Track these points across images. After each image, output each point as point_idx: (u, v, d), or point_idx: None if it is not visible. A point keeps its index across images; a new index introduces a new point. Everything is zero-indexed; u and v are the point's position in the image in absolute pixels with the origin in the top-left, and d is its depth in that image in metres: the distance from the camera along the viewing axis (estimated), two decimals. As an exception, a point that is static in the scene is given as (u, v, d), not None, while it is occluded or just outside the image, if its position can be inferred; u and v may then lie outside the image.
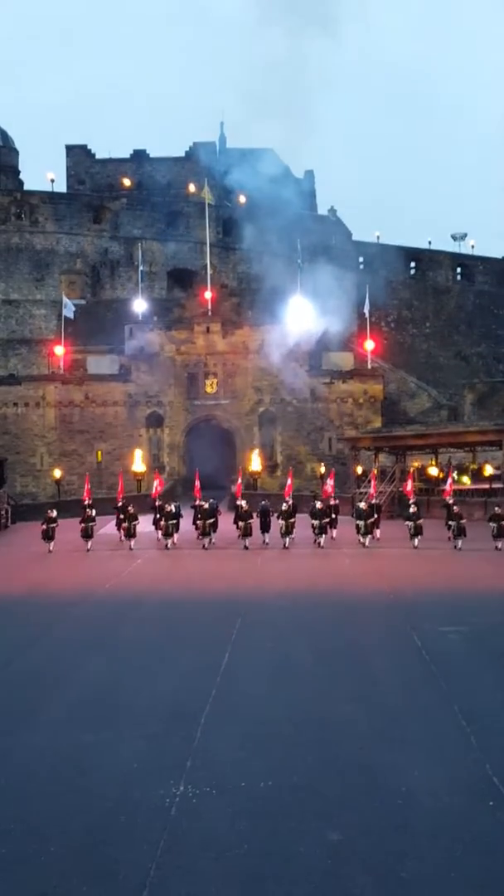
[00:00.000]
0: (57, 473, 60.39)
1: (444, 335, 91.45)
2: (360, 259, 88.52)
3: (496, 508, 34.35)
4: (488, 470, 50.55)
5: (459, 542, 33.55)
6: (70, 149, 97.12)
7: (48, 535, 35.46)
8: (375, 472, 47.26)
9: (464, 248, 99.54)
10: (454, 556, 32.21)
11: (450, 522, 35.05)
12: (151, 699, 14.34)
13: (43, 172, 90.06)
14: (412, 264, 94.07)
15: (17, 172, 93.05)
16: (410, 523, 34.64)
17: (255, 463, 59.44)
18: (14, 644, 19.01)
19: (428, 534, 34.56)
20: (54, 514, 36.44)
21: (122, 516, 38.17)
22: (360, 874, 8.50)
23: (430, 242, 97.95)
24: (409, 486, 41.72)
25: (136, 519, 36.74)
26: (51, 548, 35.20)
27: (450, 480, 42.12)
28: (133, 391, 65.37)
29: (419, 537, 34.14)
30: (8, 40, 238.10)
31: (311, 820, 9.63)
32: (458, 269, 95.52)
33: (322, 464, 61.04)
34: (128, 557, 33.36)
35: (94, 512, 37.05)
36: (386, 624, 20.33)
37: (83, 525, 35.94)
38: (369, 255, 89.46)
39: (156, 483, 44.85)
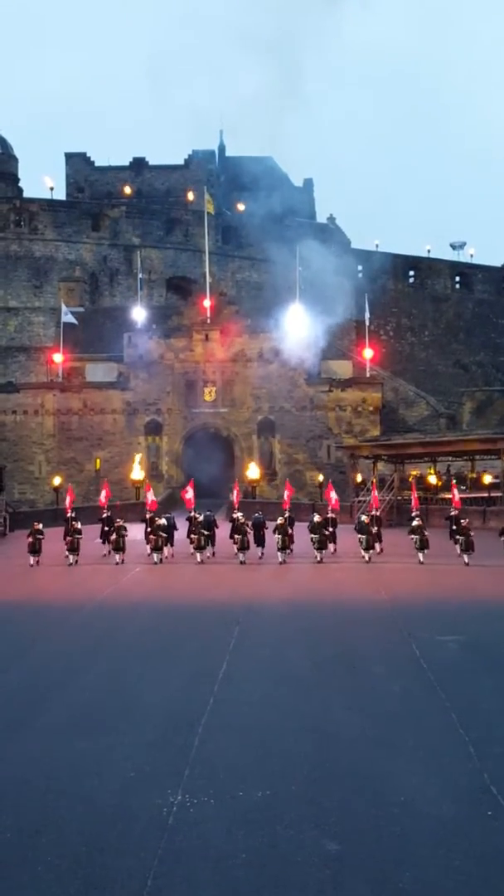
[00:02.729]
0: (55, 481, 60.34)
1: (442, 343, 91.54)
2: (360, 267, 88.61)
3: None
4: (487, 479, 50.50)
5: (466, 557, 32.07)
6: (69, 156, 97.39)
7: (34, 549, 34.17)
8: (375, 481, 47.09)
9: (463, 257, 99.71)
10: (454, 566, 31.92)
11: (458, 536, 33.41)
12: (149, 707, 14.31)
13: (42, 180, 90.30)
14: (411, 272, 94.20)
15: (17, 180, 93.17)
16: (416, 537, 33.20)
17: (254, 471, 59.41)
18: (11, 652, 18.96)
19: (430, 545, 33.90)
20: (40, 525, 35.16)
21: (106, 528, 36.95)
22: (357, 883, 8.47)
23: (428, 251, 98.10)
24: (414, 497, 40.31)
25: (125, 530, 35.18)
26: (37, 561, 33.94)
27: (455, 492, 40.93)
28: (131, 399, 65.43)
29: (426, 551, 32.81)
30: (7, 47, 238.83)
31: (308, 829, 9.60)
32: (457, 278, 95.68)
33: (320, 472, 61.03)
34: (122, 569, 32.99)
35: (79, 524, 35.66)
36: (384, 633, 20.30)
37: (69, 538, 34.59)
38: (368, 264, 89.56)
39: (149, 494, 41.88)
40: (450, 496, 50.78)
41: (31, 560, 33.99)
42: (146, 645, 19.42)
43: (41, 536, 34.64)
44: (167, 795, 10.43)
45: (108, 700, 14.97)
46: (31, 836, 9.55)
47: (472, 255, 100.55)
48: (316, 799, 10.39)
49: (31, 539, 34.43)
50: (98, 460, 64.66)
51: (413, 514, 36.44)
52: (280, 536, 33.89)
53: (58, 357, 67.57)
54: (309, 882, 8.50)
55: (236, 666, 16.91)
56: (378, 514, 38.09)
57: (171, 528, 35.84)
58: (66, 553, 34.56)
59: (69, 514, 37.45)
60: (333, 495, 39.01)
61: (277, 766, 11.44)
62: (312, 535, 34.18)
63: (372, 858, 8.95)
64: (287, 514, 35.77)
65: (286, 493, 40.45)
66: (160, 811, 10.03)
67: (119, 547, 34.59)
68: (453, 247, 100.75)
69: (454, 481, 47.14)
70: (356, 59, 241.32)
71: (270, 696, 14.94)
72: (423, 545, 32.93)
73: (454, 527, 35.38)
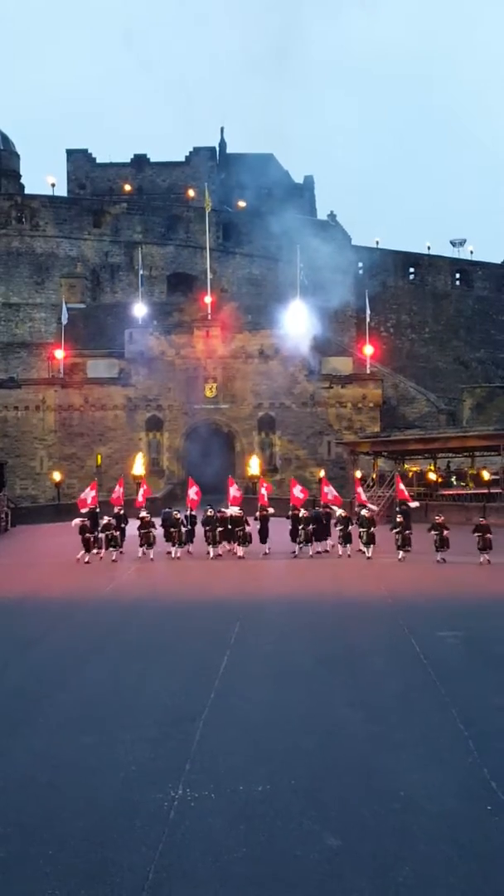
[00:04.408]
0: (57, 476, 60.42)
1: (443, 340, 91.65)
2: (360, 264, 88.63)
3: None
4: (486, 475, 50.53)
5: (439, 556, 31.49)
6: (71, 153, 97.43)
7: (112, 542, 33.68)
8: (362, 475, 46.61)
9: (463, 254, 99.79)
10: (451, 562, 31.86)
11: (432, 532, 32.25)
12: (150, 702, 14.34)
13: (44, 177, 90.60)
14: (411, 269, 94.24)
15: (19, 176, 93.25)
16: (399, 536, 32.85)
17: (254, 467, 59.44)
18: (12, 647, 19.01)
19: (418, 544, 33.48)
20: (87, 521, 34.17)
21: (123, 525, 36.18)
22: (357, 878, 8.51)
23: (429, 248, 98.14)
24: (399, 490, 38.78)
25: (154, 526, 34.45)
26: (87, 557, 33.23)
27: (400, 485, 38.95)
28: (133, 395, 65.52)
29: (407, 548, 32.53)
30: (9, 44, 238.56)
31: (309, 824, 9.63)
32: (457, 275, 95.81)
33: (321, 469, 61.08)
34: (123, 566, 32.99)
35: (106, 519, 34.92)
36: (384, 628, 20.33)
37: (113, 533, 34.05)
38: (368, 260, 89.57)
39: (141, 491, 40.94)
40: (451, 492, 51.02)
41: (86, 557, 33.15)
42: (147, 640, 19.45)
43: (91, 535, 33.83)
44: (168, 790, 10.47)
45: (109, 695, 15.00)
46: (33, 831, 9.59)
47: (471, 252, 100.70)
48: (316, 794, 10.43)
49: (88, 535, 33.52)
50: (99, 456, 64.77)
51: (400, 508, 35.47)
52: (304, 530, 34.37)
53: (59, 353, 67.67)
54: (309, 876, 8.54)
55: (237, 661, 16.96)
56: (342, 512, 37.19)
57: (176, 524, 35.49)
58: (111, 549, 34.06)
59: (97, 510, 36.51)
60: (330, 490, 38.41)
61: (278, 761, 11.48)
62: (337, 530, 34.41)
63: (372, 853, 8.99)
64: (326, 510, 35.93)
65: (263, 491, 38.84)
66: (161, 805, 10.07)
67: (149, 542, 33.97)
68: (453, 244, 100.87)
69: (398, 474, 46.32)
70: (357, 57, 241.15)
71: (271, 691, 14.98)
72: (405, 542, 32.64)
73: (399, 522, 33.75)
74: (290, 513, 36.06)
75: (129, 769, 11.29)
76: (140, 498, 39.55)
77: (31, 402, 65.84)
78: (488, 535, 31.18)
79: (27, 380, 69.19)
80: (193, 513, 36.71)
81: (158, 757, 11.74)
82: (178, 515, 35.09)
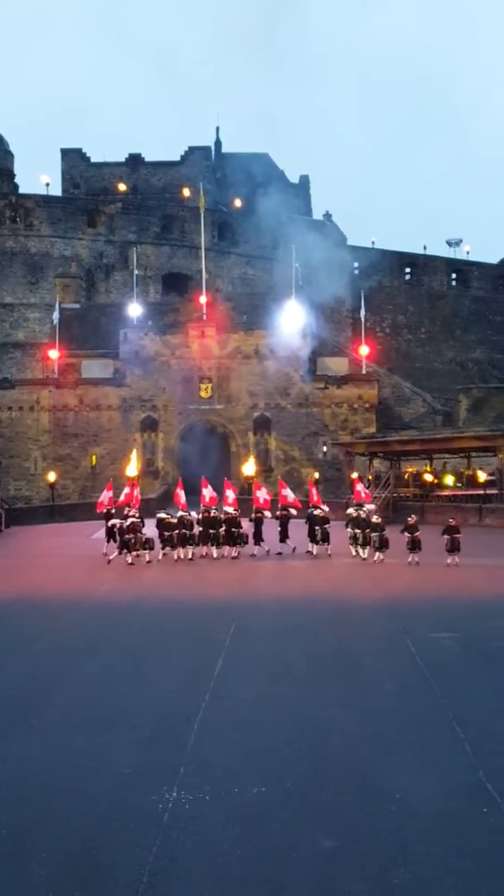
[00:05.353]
0: (51, 477, 60.34)
1: (439, 340, 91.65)
2: (356, 264, 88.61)
3: None
4: (482, 476, 50.52)
5: (411, 558, 31.33)
6: (65, 152, 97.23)
7: (146, 544, 33.19)
8: (358, 475, 46.36)
9: (459, 254, 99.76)
10: (445, 563, 31.81)
11: (405, 534, 31.87)
12: (145, 704, 14.30)
13: (38, 176, 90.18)
14: (407, 269, 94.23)
15: (13, 176, 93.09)
16: (377, 537, 32.63)
17: (250, 468, 59.36)
18: (7, 648, 18.94)
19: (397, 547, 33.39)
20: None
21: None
22: (353, 880, 8.47)
23: (425, 248, 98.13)
24: (356, 491, 39.12)
25: (176, 528, 34.08)
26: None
27: (357, 488, 39.46)
28: (127, 395, 65.46)
29: (385, 550, 32.27)
30: (2, 43, 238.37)
31: (304, 826, 9.60)
32: (454, 275, 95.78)
33: (316, 469, 61.06)
34: (117, 566, 32.87)
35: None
36: (379, 629, 20.32)
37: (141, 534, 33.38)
38: (364, 260, 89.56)
39: (132, 491, 38.12)
40: (444, 493, 51.02)
41: (128, 557, 32.65)
42: (142, 641, 19.41)
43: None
44: (163, 792, 10.42)
45: (104, 697, 14.96)
46: (26, 833, 9.53)
47: (468, 252, 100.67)
48: (311, 796, 10.39)
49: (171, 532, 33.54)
50: (94, 457, 64.67)
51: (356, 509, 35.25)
52: (321, 529, 34.37)
53: (53, 353, 67.53)
54: (304, 879, 8.50)
55: (232, 663, 16.92)
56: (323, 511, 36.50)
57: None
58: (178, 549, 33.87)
59: (112, 511, 36.31)
60: (314, 492, 38.28)
61: (272, 763, 11.44)
62: (356, 531, 34.14)
63: (367, 855, 8.95)
64: (326, 509, 36.02)
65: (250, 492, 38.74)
66: (156, 808, 10.02)
67: (171, 544, 33.85)
68: (449, 244, 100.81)
69: (356, 476, 46.22)
70: (355, 55, 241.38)
71: (266, 693, 14.94)
72: (383, 544, 32.38)
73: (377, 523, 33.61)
74: (252, 515, 35.92)
75: (123, 771, 11.25)
76: (121, 498, 37.97)
77: (26, 403, 65.76)
78: (457, 536, 30.99)
79: (21, 380, 69.11)
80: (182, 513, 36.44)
81: (153, 759, 11.70)
82: (173, 519, 34.54)
